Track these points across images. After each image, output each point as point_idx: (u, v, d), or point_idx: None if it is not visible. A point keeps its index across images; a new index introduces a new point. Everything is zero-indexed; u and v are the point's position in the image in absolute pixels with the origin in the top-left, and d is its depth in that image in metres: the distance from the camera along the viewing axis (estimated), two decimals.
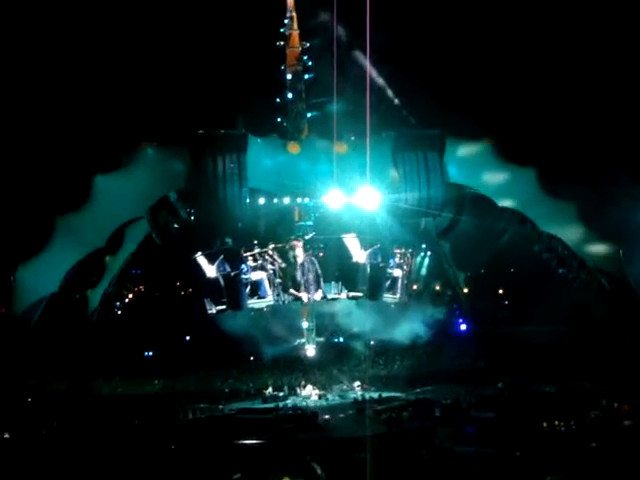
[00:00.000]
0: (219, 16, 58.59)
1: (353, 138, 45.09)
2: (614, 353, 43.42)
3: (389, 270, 46.46)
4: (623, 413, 35.60)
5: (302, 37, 49.45)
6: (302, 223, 47.14)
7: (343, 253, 45.07)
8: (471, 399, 41.35)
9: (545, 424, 34.01)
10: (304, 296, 45.24)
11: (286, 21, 49.47)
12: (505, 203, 46.29)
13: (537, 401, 39.39)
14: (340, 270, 45.46)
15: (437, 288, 54.13)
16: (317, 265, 45.07)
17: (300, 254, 43.97)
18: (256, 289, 44.96)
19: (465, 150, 46.21)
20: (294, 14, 49.48)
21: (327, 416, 39.79)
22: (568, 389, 41.37)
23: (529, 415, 35.90)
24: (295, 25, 49.37)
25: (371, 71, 44.60)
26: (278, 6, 49.72)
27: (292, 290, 45.12)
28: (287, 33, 49.40)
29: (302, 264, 44.85)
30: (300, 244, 44.56)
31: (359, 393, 45.60)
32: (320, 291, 45.39)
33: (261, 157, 45.01)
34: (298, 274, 44.89)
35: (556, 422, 34.11)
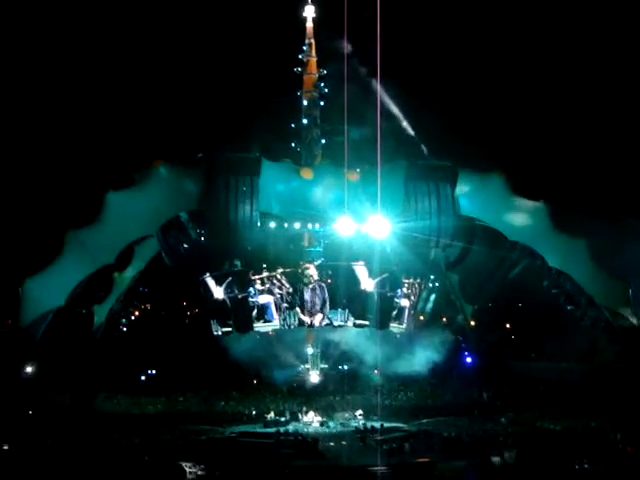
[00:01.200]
0: (238, 40, 59.22)
1: (365, 167, 45.18)
2: (621, 393, 43.07)
3: (397, 300, 46.52)
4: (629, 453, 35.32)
5: (319, 64, 49.82)
6: (312, 249, 47.17)
7: (351, 281, 45.14)
8: (473, 433, 41.01)
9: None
10: (310, 322, 45.29)
11: (304, 47, 49.88)
12: (515, 237, 46.20)
13: (540, 439, 39.06)
14: (347, 297, 45.50)
15: (444, 320, 53.91)
16: (325, 291, 45.14)
17: (313, 276, 44.18)
18: (263, 313, 45.07)
19: (477, 183, 46.20)
20: (312, 41, 49.93)
21: (328, 443, 39.50)
22: (573, 428, 41.02)
23: (533, 454, 35.62)
24: (313, 52, 49.81)
25: (384, 101, 44.94)
26: (297, 33, 50.24)
27: (299, 315, 45.18)
28: (305, 59, 49.80)
29: (310, 290, 44.93)
30: (312, 267, 44.74)
31: (361, 422, 45.27)
32: (326, 318, 45.43)
33: (274, 181, 45.14)
34: (306, 299, 44.97)
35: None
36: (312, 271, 45.09)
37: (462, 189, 45.53)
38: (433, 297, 48.21)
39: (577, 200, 50.01)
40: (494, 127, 58.86)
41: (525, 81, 60.91)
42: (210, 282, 45.47)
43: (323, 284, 45.12)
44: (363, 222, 44.70)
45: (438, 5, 61.08)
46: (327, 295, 45.17)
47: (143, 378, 53.70)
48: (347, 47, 45.24)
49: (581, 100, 58.60)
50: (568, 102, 59.37)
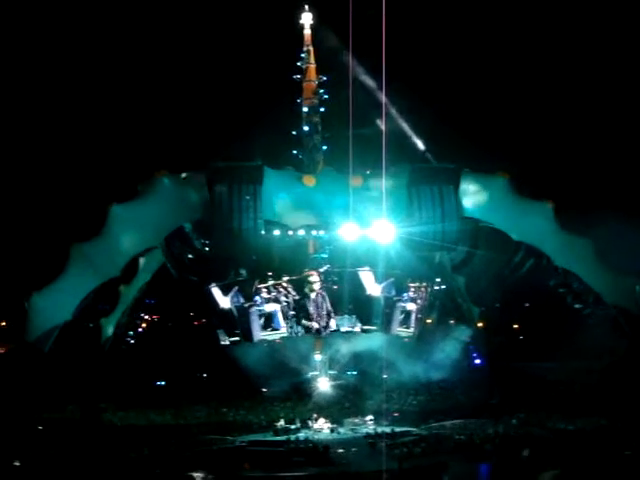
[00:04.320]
0: (237, 48, 59.40)
1: (368, 171, 45.16)
2: (631, 390, 42.84)
3: (403, 304, 46.43)
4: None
5: (319, 71, 49.86)
6: (317, 256, 47.17)
7: (357, 286, 45.12)
8: (485, 435, 40.82)
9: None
10: (317, 329, 45.24)
11: (303, 55, 49.94)
12: (520, 238, 46.10)
13: (553, 439, 38.86)
14: (354, 303, 45.48)
15: (451, 322, 53.76)
16: (331, 298, 45.11)
17: (317, 283, 44.16)
18: (269, 321, 45.06)
19: (481, 185, 46.16)
20: (311, 48, 49.99)
21: (339, 450, 39.34)
22: (585, 427, 40.82)
23: (545, 454, 35.44)
24: (312, 59, 49.88)
25: (388, 106, 44.93)
26: (295, 40, 50.32)
27: (306, 323, 45.13)
28: (304, 66, 49.87)
29: (316, 297, 44.90)
30: (317, 273, 44.74)
31: (371, 427, 45.12)
32: (334, 324, 45.39)
33: (277, 189, 45.21)
34: (312, 307, 44.94)
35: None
36: (317, 278, 45.16)
37: (466, 191, 45.49)
38: (439, 300, 48.14)
39: (582, 199, 49.95)
40: (497, 128, 58.88)
41: (529, 81, 60.96)
42: (216, 292, 45.47)
43: (329, 291, 45.10)
44: (367, 227, 44.70)
45: (441, 7, 61.26)
46: (333, 301, 45.15)
47: (152, 390, 53.60)
48: (349, 52, 45.26)
49: (585, 99, 58.61)
50: (572, 101, 59.37)
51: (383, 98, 41.42)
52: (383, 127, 38.77)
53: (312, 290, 44.99)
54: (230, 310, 45.02)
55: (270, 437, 44.18)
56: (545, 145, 58.25)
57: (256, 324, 44.84)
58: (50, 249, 46.55)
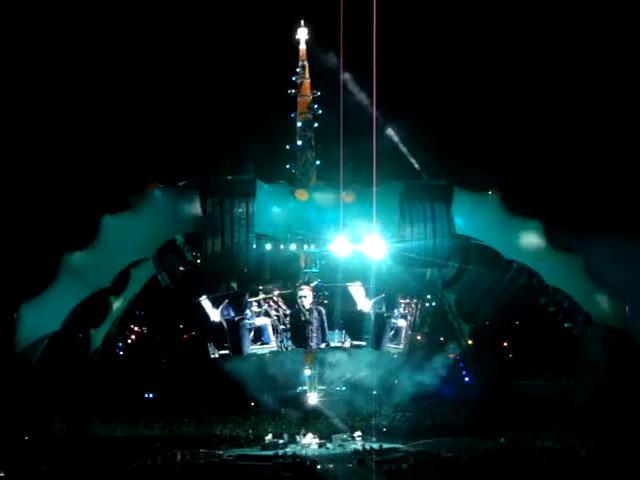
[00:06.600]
0: (232, 62, 59.55)
1: (360, 187, 45.20)
2: (620, 410, 42.84)
3: (393, 320, 46.47)
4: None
5: (313, 86, 49.99)
6: (308, 270, 47.04)
7: (348, 301, 45.11)
8: (473, 453, 40.72)
9: None
10: (307, 343, 45.16)
11: (298, 69, 50.06)
12: (511, 255, 46.19)
13: (540, 457, 38.81)
14: (344, 318, 45.45)
15: (441, 339, 53.74)
16: (322, 313, 45.06)
17: (309, 297, 44.17)
18: (260, 335, 44.99)
19: (472, 202, 46.28)
20: (306, 63, 50.11)
21: (327, 466, 39.22)
22: (573, 446, 40.79)
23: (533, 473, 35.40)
24: (307, 74, 49.97)
25: (380, 122, 45.05)
26: (290, 55, 50.48)
27: (295, 337, 45.07)
28: (299, 81, 49.95)
29: (307, 311, 44.88)
30: (308, 288, 44.73)
31: (359, 443, 44.99)
32: (323, 339, 45.31)
33: (269, 203, 45.26)
34: (302, 321, 44.89)
35: None
36: (308, 292, 45.15)
37: (458, 208, 45.57)
38: (430, 317, 48.15)
39: (573, 218, 50.07)
40: (490, 146, 59.08)
41: (521, 100, 61.23)
42: (206, 304, 45.41)
43: (319, 305, 45.07)
44: (359, 243, 44.72)
45: (434, 25, 61.60)
46: (324, 316, 45.10)
47: (140, 402, 53.33)
48: (342, 69, 45.40)
49: (576, 118, 58.91)
50: (563, 120, 59.69)
51: (374, 113, 41.47)
52: (375, 143, 38.79)
53: (304, 304, 44.98)
54: (220, 323, 44.97)
55: (258, 451, 44.04)
56: (536, 164, 58.46)
57: (246, 338, 44.77)
58: (40, 259, 46.32)
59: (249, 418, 52.07)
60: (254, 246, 43.47)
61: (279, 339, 45.01)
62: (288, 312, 45.03)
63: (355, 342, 45.65)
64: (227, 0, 60.39)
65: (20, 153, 56.93)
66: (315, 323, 45.02)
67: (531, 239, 45.69)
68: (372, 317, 45.25)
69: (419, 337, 48.83)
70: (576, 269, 45.02)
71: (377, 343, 45.73)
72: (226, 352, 45.51)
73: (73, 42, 59.52)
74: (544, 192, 53.70)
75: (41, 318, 44.12)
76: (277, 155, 49.78)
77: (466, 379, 54.17)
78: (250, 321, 44.71)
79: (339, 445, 45.68)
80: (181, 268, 46.33)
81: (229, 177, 44.41)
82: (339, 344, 45.71)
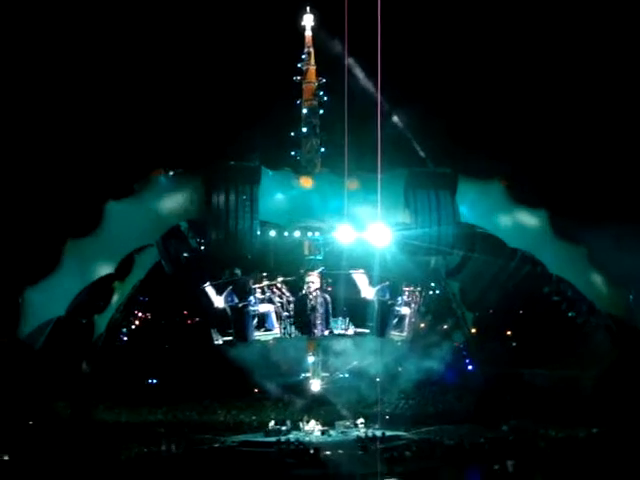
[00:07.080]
0: (238, 49, 59.40)
1: (365, 174, 45.10)
2: (623, 399, 42.88)
3: (397, 308, 46.49)
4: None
5: (318, 73, 49.86)
6: (312, 257, 47.08)
7: (351, 289, 45.14)
8: (475, 441, 40.81)
9: None
10: (311, 330, 45.22)
11: (303, 56, 49.92)
12: (515, 244, 46.14)
13: (543, 446, 38.90)
14: (348, 306, 45.51)
15: (445, 327, 53.76)
16: (325, 300, 45.09)
17: (313, 284, 44.21)
18: (263, 321, 45.08)
19: (477, 190, 46.19)
20: (311, 50, 49.97)
21: (329, 452, 39.32)
22: (576, 435, 40.88)
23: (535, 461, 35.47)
24: (312, 60, 49.82)
25: (385, 109, 44.91)
26: (296, 42, 50.32)
27: (299, 324, 45.14)
28: (304, 68, 49.81)
29: (310, 298, 44.93)
30: (312, 275, 44.80)
31: (362, 430, 45.09)
32: (327, 326, 45.37)
33: (273, 190, 45.20)
34: (306, 308, 44.94)
35: None
36: (312, 279, 45.25)
37: (463, 196, 45.50)
38: (434, 305, 48.14)
39: (577, 207, 50.01)
40: (495, 134, 58.95)
41: (526, 88, 61.04)
42: (210, 291, 45.46)
43: (324, 292, 45.12)
44: (363, 230, 44.69)
45: (439, 12, 61.33)
46: (328, 303, 45.15)
47: (144, 388, 53.51)
48: (347, 55, 45.18)
49: (581, 107, 58.72)
50: (569, 109, 59.49)
51: (379, 101, 41.30)
52: (379, 131, 38.63)
53: (308, 291, 45.04)
54: (224, 309, 45.00)
55: (261, 438, 44.18)
56: (541, 153, 58.33)
57: (250, 324, 44.85)
58: (45, 244, 46.38)
59: (252, 404, 52.22)
60: (258, 233, 43.45)
61: (282, 326, 45.09)
62: (292, 299, 45.10)
63: (359, 329, 45.72)
64: None
65: (25, 140, 57.00)
66: (319, 310, 45.06)
67: (535, 228, 45.65)
68: (376, 305, 45.24)
69: (423, 325, 48.83)
70: (580, 258, 45.01)
71: (381, 331, 45.74)
72: (230, 338, 45.57)
73: (76, 30, 59.47)
74: (549, 181, 53.62)
75: (46, 303, 44.20)
76: (282, 142, 49.73)
77: (469, 367, 54.18)
78: (254, 308, 44.77)
79: (342, 432, 45.80)
80: (185, 254, 46.31)
81: (234, 163, 44.39)
82: (343, 331, 45.77)
